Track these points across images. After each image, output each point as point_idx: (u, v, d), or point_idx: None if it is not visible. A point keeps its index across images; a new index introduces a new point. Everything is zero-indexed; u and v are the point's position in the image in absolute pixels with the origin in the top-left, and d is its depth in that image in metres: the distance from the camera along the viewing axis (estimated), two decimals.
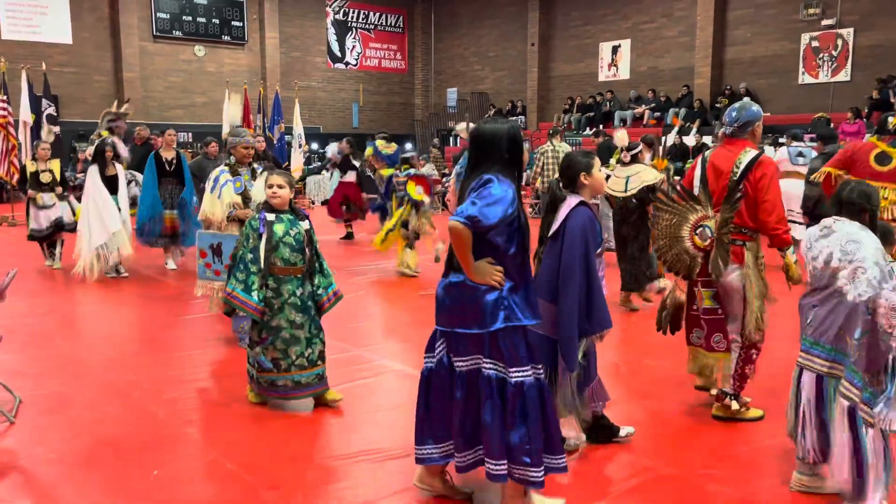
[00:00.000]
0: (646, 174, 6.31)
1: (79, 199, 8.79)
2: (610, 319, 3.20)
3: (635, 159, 6.51)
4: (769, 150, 10.84)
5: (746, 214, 3.65)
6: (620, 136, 7.41)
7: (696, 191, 3.80)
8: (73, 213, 8.13)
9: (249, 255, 3.84)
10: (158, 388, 4.45)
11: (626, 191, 6.34)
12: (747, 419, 3.83)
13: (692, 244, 3.71)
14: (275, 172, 4.00)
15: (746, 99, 3.88)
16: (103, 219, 7.37)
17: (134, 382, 4.54)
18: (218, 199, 4.97)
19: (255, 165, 5.26)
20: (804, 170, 8.20)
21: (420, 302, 6.70)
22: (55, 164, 8.23)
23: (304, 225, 3.94)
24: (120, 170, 7.75)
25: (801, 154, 8.67)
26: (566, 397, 3.21)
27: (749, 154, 3.66)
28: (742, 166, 3.62)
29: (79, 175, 13.32)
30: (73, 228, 8.03)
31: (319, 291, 4.02)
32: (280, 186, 3.87)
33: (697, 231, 3.69)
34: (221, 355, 5.18)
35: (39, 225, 8.14)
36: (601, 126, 18.30)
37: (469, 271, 2.72)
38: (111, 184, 7.58)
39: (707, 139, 15.54)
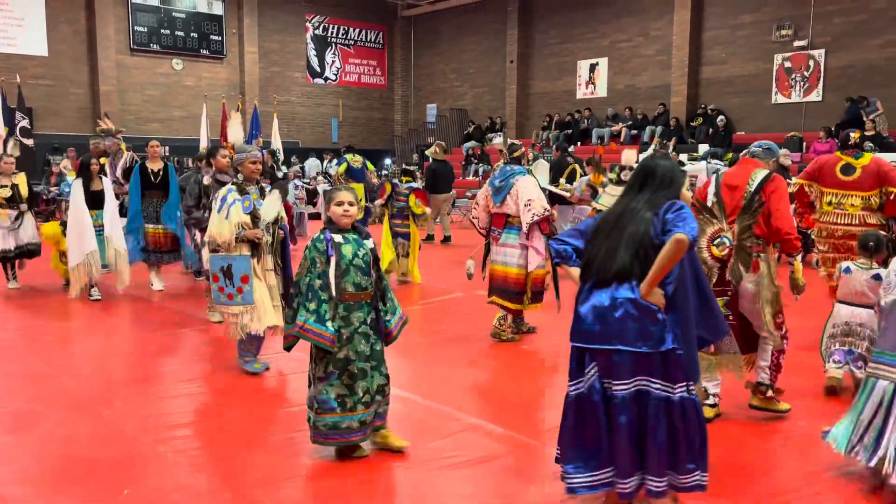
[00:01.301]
0: None
1: (52, 215, 8.67)
2: (725, 327, 3.27)
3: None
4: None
5: (762, 223, 3.96)
6: (628, 157, 7.89)
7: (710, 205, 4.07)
8: (38, 233, 7.71)
9: (318, 282, 3.43)
10: (130, 405, 4.37)
11: None
12: (780, 410, 4.13)
13: (710, 255, 3.94)
14: (342, 188, 3.64)
15: (773, 144, 4.49)
16: (81, 238, 7.07)
17: (105, 400, 4.46)
18: (226, 219, 4.65)
19: (263, 184, 4.96)
20: None
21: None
22: (21, 178, 7.64)
23: (369, 244, 3.61)
24: (107, 184, 7.43)
25: (717, 171, 9.17)
26: None
27: (762, 172, 4.03)
28: (757, 181, 3.96)
29: (52, 189, 13.19)
30: (33, 252, 7.71)
31: (387, 318, 3.63)
32: (351, 204, 3.53)
33: (714, 242, 3.92)
34: (197, 373, 5.10)
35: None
36: (578, 143, 18.51)
37: (652, 288, 2.77)
38: (97, 199, 7.27)
39: (683, 157, 15.75)
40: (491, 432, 3.95)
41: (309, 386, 3.59)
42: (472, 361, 5.34)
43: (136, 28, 19.35)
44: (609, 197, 6.70)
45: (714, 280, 3.89)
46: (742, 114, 16.80)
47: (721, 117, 16.38)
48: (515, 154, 5.95)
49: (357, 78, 24.07)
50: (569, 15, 20.02)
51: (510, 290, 5.74)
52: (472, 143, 20.31)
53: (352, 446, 3.55)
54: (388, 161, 21.74)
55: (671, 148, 16.38)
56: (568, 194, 9.14)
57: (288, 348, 3.57)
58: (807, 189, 5.87)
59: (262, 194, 4.81)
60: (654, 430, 2.75)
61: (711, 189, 4.08)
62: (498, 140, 6.30)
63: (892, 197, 5.41)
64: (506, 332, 5.88)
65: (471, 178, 18.78)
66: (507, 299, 5.76)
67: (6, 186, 7.51)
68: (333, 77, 23.44)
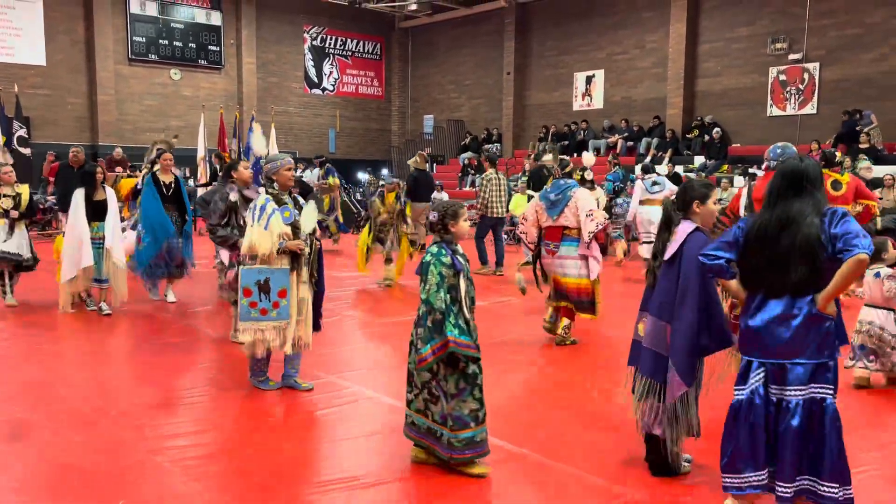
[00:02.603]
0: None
1: (48, 224, 8.54)
2: (731, 338, 3.32)
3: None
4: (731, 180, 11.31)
5: None
6: (587, 159, 8.29)
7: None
8: (30, 248, 7.39)
9: (449, 296, 3.39)
10: (126, 415, 4.36)
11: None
12: None
13: None
14: (454, 202, 3.59)
15: (786, 142, 4.85)
16: (78, 252, 6.78)
17: (101, 409, 4.45)
18: (265, 229, 4.42)
19: (295, 194, 4.79)
20: (660, 196, 9.65)
21: (392, 328, 6.68)
22: (24, 189, 7.38)
23: (460, 250, 3.56)
24: (110, 194, 7.10)
25: (655, 183, 10.00)
26: (676, 412, 3.31)
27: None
28: None
29: (49, 198, 13.18)
30: (29, 266, 7.38)
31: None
32: (467, 218, 3.51)
33: None
34: (193, 383, 5.10)
35: None
36: (574, 154, 18.57)
37: (830, 301, 2.84)
38: (99, 209, 6.96)
39: (679, 168, 15.82)
40: (492, 445, 3.94)
41: (433, 401, 3.47)
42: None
43: (134, 38, 19.43)
44: None
45: None
46: (737, 126, 16.89)
47: (717, 129, 16.47)
48: (567, 169, 6.22)
49: (355, 89, 24.15)
50: (565, 27, 20.15)
51: (581, 300, 5.93)
52: (468, 154, 20.39)
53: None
54: (385, 171, 21.79)
55: (667, 159, 16.46)
56: None
57: (422, 370, 3.44)
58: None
59: (296, 203, 4.65)
60: (828, 436, 2.83)
61: (743, 201, 4.26)
62: (548, 157, 6.46)
63: (865, 209, 5.86)
64: (570, 336, 6.09)
65: (467, 188, 18.82)
66: (582, 310, 5.97)
67: (9, 196, 7.23)
68: (331, 88, 23.52)
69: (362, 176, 21.03)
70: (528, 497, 3.37)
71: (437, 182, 17.76)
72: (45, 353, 5.88)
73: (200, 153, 11.43)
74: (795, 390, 2.86)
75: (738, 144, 16.56)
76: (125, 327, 6.81)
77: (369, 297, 8.53)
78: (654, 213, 9.44)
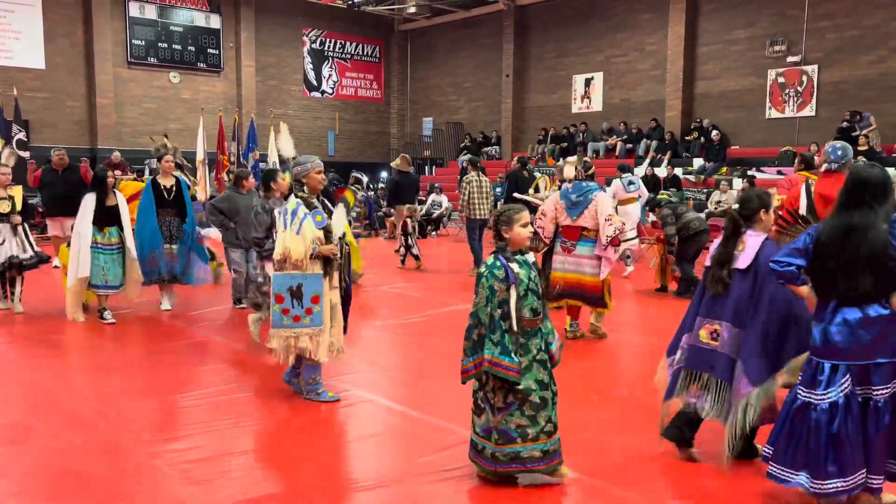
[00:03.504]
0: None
1: (46, 228, 8.36)
2: (809, 344, 3.37)
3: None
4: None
5: None
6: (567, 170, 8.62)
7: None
8: (31, 246, 7.27)
9: (499, 311, 3.26)
10: (125, 418, 4.36)
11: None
12: None
13: None
14: (511, 205, 3.46)
15: (844, 142, 4.97)
16: (79, 260, 6.66)
17: (100, 412, 4.45)
18: (297, 234, 4.33)
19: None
20: (636, 194, 10.14)
21: (387, 331, 6.67)
22: (17, 191, 7.25)
23: (530, 258, 3.44)
24: (121, 199, 6.97)
25: (631, 182, 10.22)
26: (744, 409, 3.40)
27: None
28: None
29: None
30: (31, 265, 7.23)
31: (549, 339, 3.45)
32: (527, 223, 3.37)
33: None
34: (193, 385, 5.10)
35: None
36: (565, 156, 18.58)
37: None
38: (112, 215, 6.83)
39: (678, 171, 15.83)
40: None
41: (477, 413, 3.42)
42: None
43: (133, 41, 19.44)
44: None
45: None
46: (736, 128, 16.91)
47: (716, 132, 16.48)
48: (590, 172, 6.38)
49: (354, 91, 24.17)
50: (564, 30, 20.17)
51: (594, 296, 6.18)
52: (468, 157, 20.38)
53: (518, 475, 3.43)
54: (384, 174, 21.79)
55: (666, 161, 16.48)
56: (542, 203, 9.51)
57: (465, 381, 3.40)
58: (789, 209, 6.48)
59: (325, 207, 4.55)
60: None
61: (804, 202, 4.48)
62: (572, 158, 6.70)
63: None
64: (600, 328, 6.38)
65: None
66: (595, 305, 6.23)
67: (5, 199, 7.12)
68: (330, 91, 23.53)
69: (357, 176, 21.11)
70: (529, 499, 3.37)
71: (436, 184, 17.85)
72: (45, 357, 5.87)
73: (199, 156, 11.43)
74: (883, 389, 2.97)
75: (737, 147, 16.57)
76: (128, 333, 6.79)
77: (359, 298, 8.52)
78: (631, 211, 9.77)
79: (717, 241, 3.67)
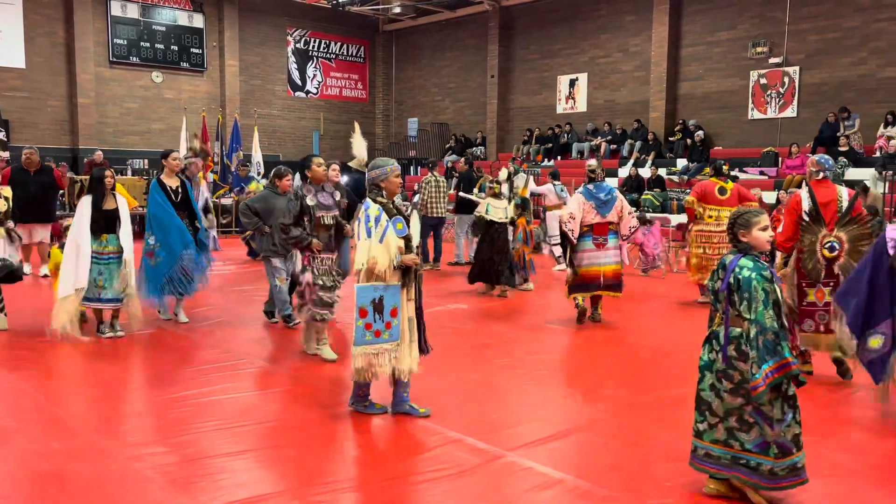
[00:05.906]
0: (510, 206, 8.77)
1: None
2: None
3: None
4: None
5: None
6: (502, 174, 9.13)
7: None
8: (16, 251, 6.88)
9: (775, 311, 3.12)
10: (107, 422, 4.32)
11: (506, 217, 8.66)
12: None
13: (821, 256, 5.07)
14: (748, 209, 3.36)
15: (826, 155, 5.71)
16: (76, 269, 6.03)
17: (82, 416, 4.40)
18: (380, 242, 4.10)
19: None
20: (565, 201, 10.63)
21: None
22: (7, 192, 6.86)
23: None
24: (122, 202, 6.29)
25: (563, 189, 11.23)
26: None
27: (845, 189, 5.20)
28: (845, 198, 5.11)
29: None
30: (15, 277, 6.46)
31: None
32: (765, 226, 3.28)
33: (825, 246, 5.04)
34: (173, 391, 5.05)
35: None
36: (559, 157, 18.68)
37: None
38: (110, 220, 6.17)
39: (662, 171, 15.92)
40: (472, 446, 3.94)
41: (746, 430, 3.23)
42: (453, 375, 5.34)
43: (115, 41, 19.25)
44: (494, 209, 8.53)
45: (824, 273, 5.05)
46: (719, 129, 17.04)
47: (699, 132, 16.60)
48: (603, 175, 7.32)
49: (338, 91, 24.10)
50: (549, 31, 20.23)
51: (617, 282, 7.04)
52: (453, 157, 20.38)
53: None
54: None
55: (649, 162, 16.57)
56: (481, 202, 9.70)
57: (763, 393, 3.11)
58: (697, 206, 7.84)
59: (399, 212, 4.30)
60: None
61: (807, 205, 5.07)
62: (592, 162, 7.24)
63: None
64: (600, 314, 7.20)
65: (451, 191, 18.78)
66: (613, 290, 7.02)
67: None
68: (315, 90, 23.45)
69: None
70: (529, 499, 3.36)
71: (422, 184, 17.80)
72: (25, 359, 5.77)
73: (182, 154, 11.37)
74: None
75: (720, 147, 16.70)
76: (117, 342, 6.71)
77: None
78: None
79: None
